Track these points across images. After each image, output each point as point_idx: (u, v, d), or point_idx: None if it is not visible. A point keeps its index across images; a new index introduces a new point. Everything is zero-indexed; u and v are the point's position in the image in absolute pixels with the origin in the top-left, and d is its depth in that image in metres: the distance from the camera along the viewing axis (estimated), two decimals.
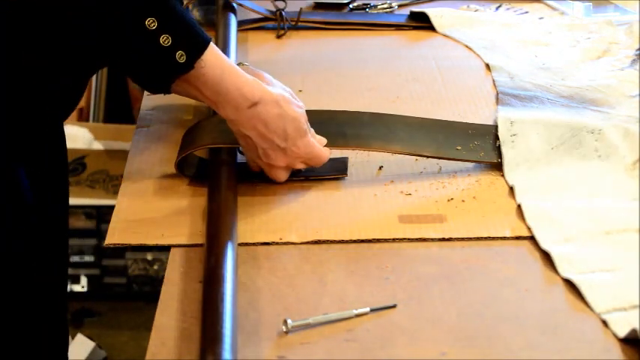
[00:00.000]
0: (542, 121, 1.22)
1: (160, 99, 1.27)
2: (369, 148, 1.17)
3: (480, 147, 1.19)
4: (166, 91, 1.09)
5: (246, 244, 1.03)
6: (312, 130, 1.14)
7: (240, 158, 1.18)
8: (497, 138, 1.20)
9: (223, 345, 0.82)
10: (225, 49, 1.40)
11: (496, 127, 1.21)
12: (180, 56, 1.04)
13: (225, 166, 1.13)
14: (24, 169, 1.10)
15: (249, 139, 1.11)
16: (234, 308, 0.88)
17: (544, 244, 1.01)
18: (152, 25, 1.02)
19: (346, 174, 1.17)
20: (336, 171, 1.17)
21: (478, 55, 1.55)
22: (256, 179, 1.15)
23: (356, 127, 1.18)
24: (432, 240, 1.04)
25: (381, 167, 1.19)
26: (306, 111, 1.13)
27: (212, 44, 1.07)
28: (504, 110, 1.26)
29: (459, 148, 1.18)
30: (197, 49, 1.05)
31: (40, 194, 1.13)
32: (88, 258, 2.67)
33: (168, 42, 1.03)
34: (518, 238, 1.04)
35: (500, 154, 1.18)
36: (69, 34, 1.04)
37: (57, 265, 1.21)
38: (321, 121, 1.17)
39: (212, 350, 0.82)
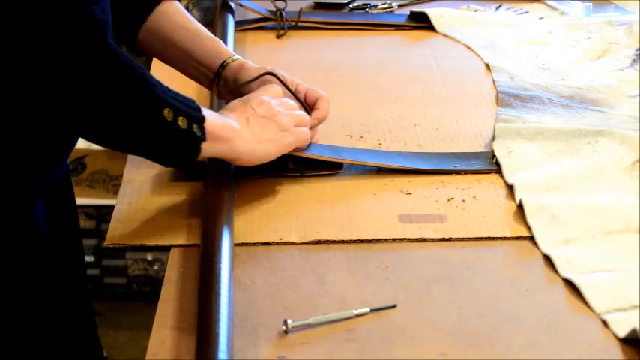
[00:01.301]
0: (539, 141, 1.21)
1: None
2: (365, 164, 1.18)
3: (476, 164, 1.19)
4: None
5: (246, 244, 1.03)
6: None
7: None
8: (493, 156, 1.19)
9: (218, 345, 0.82)
10: None
11: (492, 151, 1.21)
12: (190, 127, 1.02)
13: (221, 166, 1.13)
14: (42, 204, 1.08)
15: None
16: (230, 308, 0.88)
17: (545, 249, 1.01)
18: (168, 115, 1.00)
19: (341, 169, 1.17)
20: (330, 167, 1.17)
21: (478, 55, 1.54)
22: (255, 177, 1.15)
23: (351, 152, 1.19)
24: (432, 240, 1.04)
25: None
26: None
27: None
28: (500, 131, 1.24)
29: (457, 165, 1.18)
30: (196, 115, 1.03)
31: (54, 228, 1.12)
32: (88, 258, 2.66)
33: (170, 116, 1.00)
34: (518, 238, 1.04)
35: (498, 166, 1.17)
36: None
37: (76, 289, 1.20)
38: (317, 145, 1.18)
39: (207, 351, 0.82)
